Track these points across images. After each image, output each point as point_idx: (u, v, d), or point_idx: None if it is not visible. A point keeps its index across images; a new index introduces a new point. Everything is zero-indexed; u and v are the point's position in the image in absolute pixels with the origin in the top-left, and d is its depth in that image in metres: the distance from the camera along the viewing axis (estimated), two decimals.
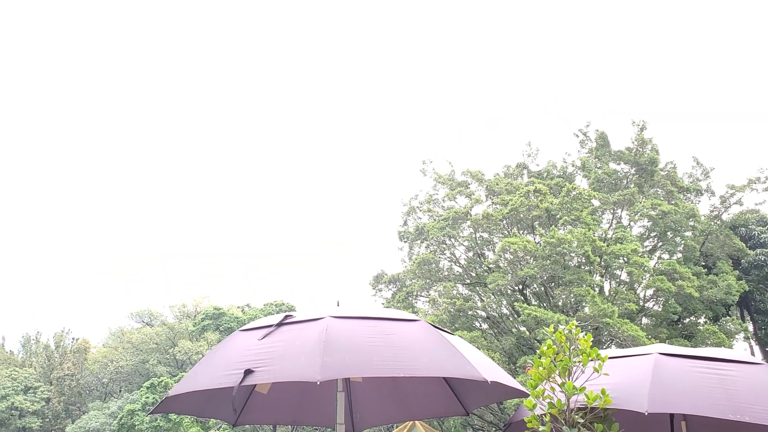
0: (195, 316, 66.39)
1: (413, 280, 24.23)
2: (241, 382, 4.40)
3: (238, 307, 58.41)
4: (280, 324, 5.00)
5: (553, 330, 5.07)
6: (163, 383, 45.76)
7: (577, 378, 4.78)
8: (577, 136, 26.16)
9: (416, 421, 17.55)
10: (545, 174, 26.05)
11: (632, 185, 23.59)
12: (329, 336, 4.59)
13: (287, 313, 5.17)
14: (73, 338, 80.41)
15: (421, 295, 24.55)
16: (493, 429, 23.20)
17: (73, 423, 67.41)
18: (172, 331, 67.25)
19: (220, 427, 39.49)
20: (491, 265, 22.48)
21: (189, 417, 41.16)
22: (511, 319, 22.97)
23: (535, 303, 22.33)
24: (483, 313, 23.46)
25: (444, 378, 6.13)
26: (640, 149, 23.97)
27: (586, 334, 5.00)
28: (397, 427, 19.51)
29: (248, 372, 4.45)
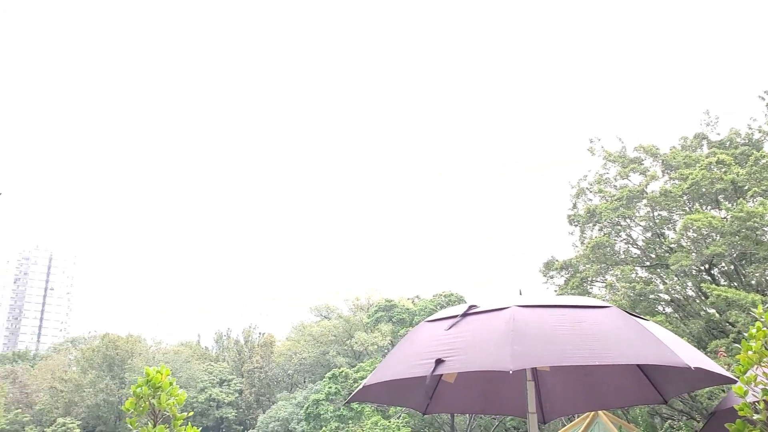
0: (368, 308, 68.56)
1: (587, 265, 23.37)
2: (433, 371, 4.46)
3: (408, 299, 59.54)
4: (465, 314, 5.00)
5: (762, 311, 4.66)
6: (343, 373, 47.71)
7: None
8: (763, 98, 23.90)
9: (599, 411, 16.96)
10: (728, 143, 24.05)
11: None
12: (517, 325, 4.55)
13: (472, 304, 5.18)
14: (259, 333, 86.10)
15: (596, 281, 23.61)
16: (684, 418, 21.87)
17: (264, 413, 72.22)
18: (348, 324, 69.96)
19: (400, 415, 40.52)
20: (672, 245, 21.17)
21: (370, 406, 42.60)
22: (698, 301, 21.50)
23: (725, 283, 20.74)
24: (666, 297, 22.14)
25: (638, 366, 5.87)
26: None
27: None
28: (578, 416, 18.96)
29: (439, 361, 4.51)
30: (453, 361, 4.51)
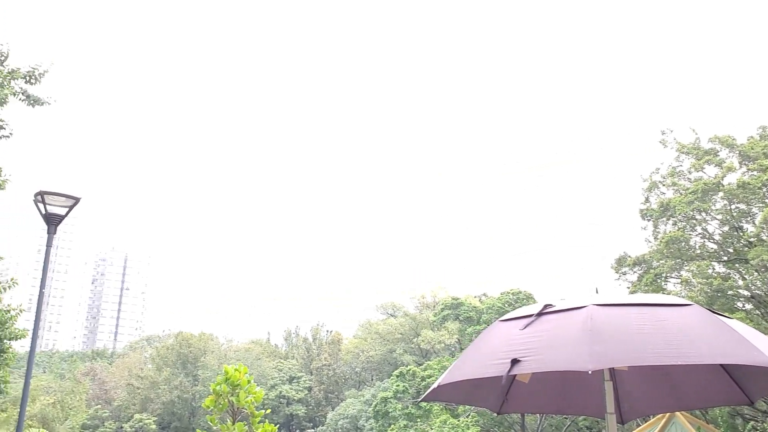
0: (434, 306, 68.45)
1: (661, 261, 22.71)
2: (509, 371, 4.43)
3: (475, 297, 59.16)
4: (540, 313, 4.95)
5: None
6: (410, 372, 47.78)
7: None
8: None
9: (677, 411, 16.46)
10: None
11: None
12: (595, 324, 4.47)
13: (547, 303, 5.11)
14: (327, 331, 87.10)
15: (671, 277, 22.94)
16: None
17: (333, 410, 73.00)
18: (414, 322, 69.99)
19: (469, 414, 40.32)
20: (752, 239, 20.36)
21: (438, 405, 42.53)
22: None
23: None
24: (746, 293, 21.32)
25: (722, 365, 5.68)
26: None
27: None
28: (653, 416, 18.46)
29: (515, 362, 4.47)
30: (529, 361, 4.46)
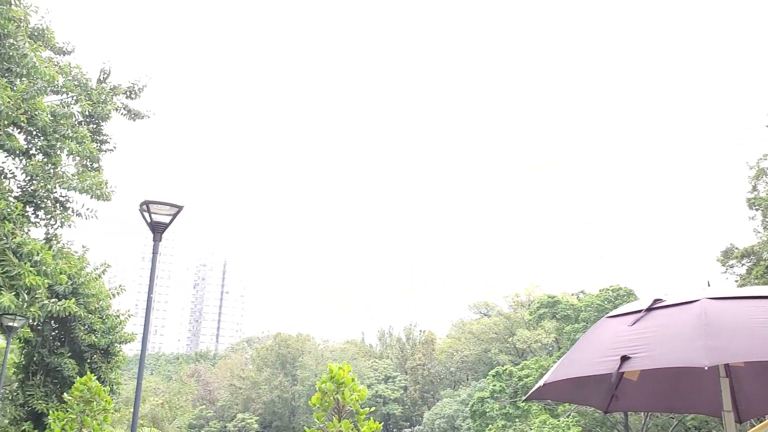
0: (529, 305, 67.38)
1: None
2: (618, 368, 4.32)
3: (572, 294, 57.76)
4: (650, 308, 4.79)
5: None
6: (507, 371, 47.19)
7: None
8: None
9: None
10: None
11: None
12: (709, 319, 4.30)
13: (657, 297, 4.94)
14: (420, 331, 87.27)
15: None
16: None
17: (428, 409, 73.04)
18: (508, 321, 69.15)
19: (569, 414, 39.43)
20: None
21: (537, 405, 41.82)
22: None
23: None
24: None
25: None
26: None
27: None
28: None
29: (625, 358, 4.36)
30: (640, 358, 4.34)
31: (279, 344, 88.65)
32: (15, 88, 19.09)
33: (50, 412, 20.89)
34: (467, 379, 77.85)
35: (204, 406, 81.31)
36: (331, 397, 4.85)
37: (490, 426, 44.87)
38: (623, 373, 5.98)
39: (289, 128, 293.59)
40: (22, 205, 19.37)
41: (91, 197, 21.26)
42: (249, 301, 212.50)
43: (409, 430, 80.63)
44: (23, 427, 24.64)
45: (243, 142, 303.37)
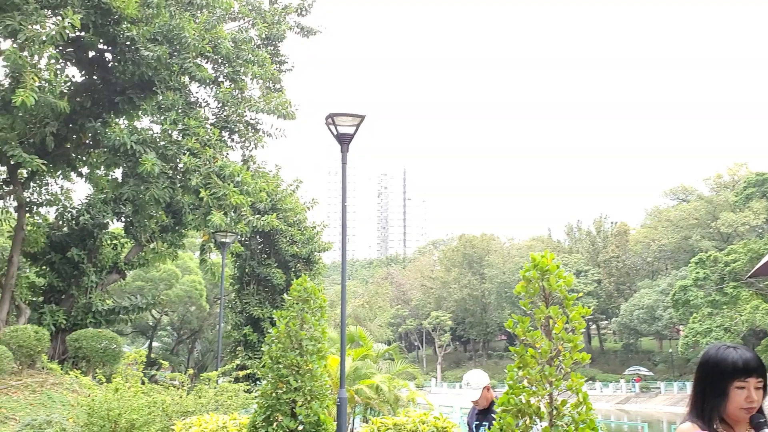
0: (734, 185, 62.19)
1: None
2: None
3: None
4: None
5: None
6: (711, 257, 44.40)
7: None
8: None
9: None
10: None
11: None
12: None
13: None
14: (611, 222, 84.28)
15: None
16: None
17: (626, 301, 71.29)
18: (710, 204, 64.61)
19: None
20: None
21: (747, 290, 39.16)
22: None
23: None
24: None
25: None
26: None
27: None
28: None
29: None
30: None
31: (464, 245, 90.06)
32: (197, 21, 20.16)
33: (270, 314, 22.95)
34: (666, 269, 74.54)
35: (399, 306, 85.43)
36: (537, 285, 4.71)
37: (695, 314, 42.87)
38: None
39: (458, 35, 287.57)
40: (218, 131, 20.79)
41: (278, 117, 22.32)
42: (431, 205, 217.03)
43: (607, 321, 79.43)
44: (244, 331, 27.42)
45: (396, 50, 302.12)
